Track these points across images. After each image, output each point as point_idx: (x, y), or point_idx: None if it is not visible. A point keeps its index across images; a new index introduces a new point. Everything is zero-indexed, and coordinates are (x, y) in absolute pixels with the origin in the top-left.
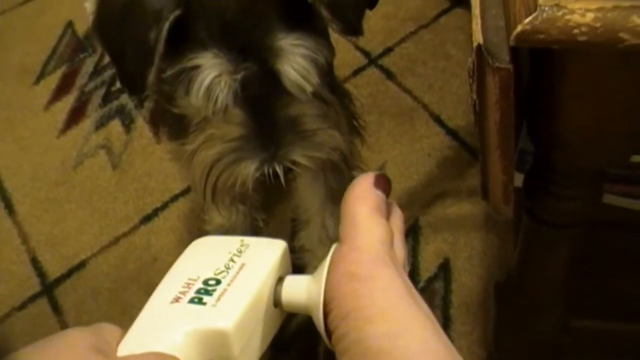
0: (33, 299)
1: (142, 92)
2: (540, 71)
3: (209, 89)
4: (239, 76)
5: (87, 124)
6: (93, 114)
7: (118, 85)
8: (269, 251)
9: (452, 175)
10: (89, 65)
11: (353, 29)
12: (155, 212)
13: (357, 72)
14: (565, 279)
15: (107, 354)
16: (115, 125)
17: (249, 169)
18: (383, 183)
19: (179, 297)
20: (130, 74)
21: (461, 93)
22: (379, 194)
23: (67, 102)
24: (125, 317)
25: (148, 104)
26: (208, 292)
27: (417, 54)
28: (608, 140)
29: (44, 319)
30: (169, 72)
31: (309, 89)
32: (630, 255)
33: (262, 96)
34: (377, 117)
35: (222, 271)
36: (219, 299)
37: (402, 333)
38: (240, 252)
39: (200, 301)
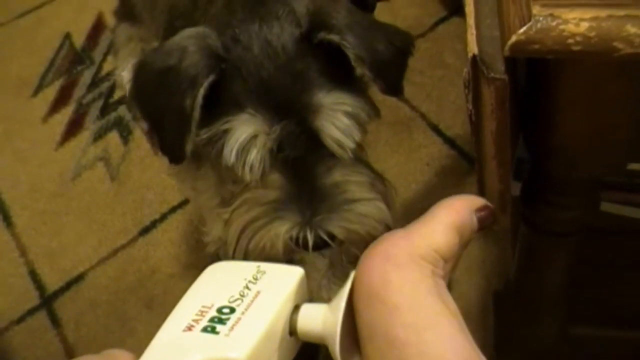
0: (32, 312)
1: (181, 160)
2: (536, 80)
3: (244, 148)
4: (275, 135)
5: (85, 136)
6: (91, 126)
7: (116, 97)
8: (285, 279)
9: (450, 184)
10: (86, 77)
11: (394, 88)
12: (154, 224)
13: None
14: (563, 287)
15: None
16: (113, 137)
17: (279, 230)
18: (486, 215)
19: (192, 326)
20: (170, 142)
21: (459, 102)
22: (473, 220)
23: (65, 114)
24: (124, 329)
25: None
26: (222, 321)
27: (415, 63)
28: (604, 148)
29: (43, 332)
30: (203, 136)
31: (350, 145)
32: (628, 262)
33: (301, 159)
34: (375, 127)
35: (237, 299)
36: (232, 328)
37: (429, 327)
38: (256, 279)
39: (213, 330)
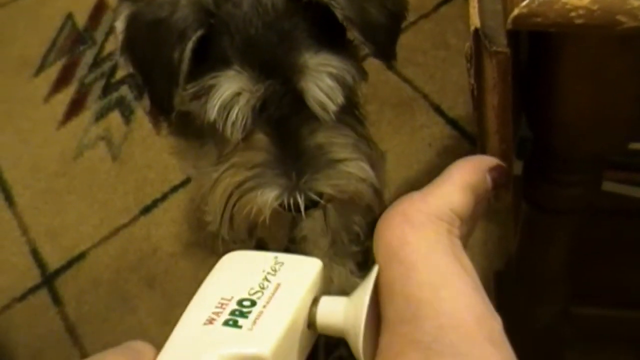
0: (33, 290)
1: (170, 112)
2: (539, 55)
3: (228, 103)
4: (259, 93)
5: (87, 115)
6: (93, 105)
7: (118, 77)
8: (304, 270)
9: None
10: (88, 57)
11: (385, 53)
12: (155, 203)
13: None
14: (565, 266)
15: None
16: (115, 116)
17: (267, 197)
18: (499, 173)
19: (213, 319)
20: (158, 95)
21: (462, 83)
22: (487, 179)
23: (67, 94)
24: (125, 307)
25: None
26: (243, 314)
27: (417, 43)
28: (606, 125)
29: (44, 310)
30: (190, 90)
31: (333, 108)
32: (630, 242)
33: (286, 120)
34: (378, 107)
35: (257, 291)
36: (255, 322)
37: (444, 285)
38: (275, 270)
39: (235, 324)
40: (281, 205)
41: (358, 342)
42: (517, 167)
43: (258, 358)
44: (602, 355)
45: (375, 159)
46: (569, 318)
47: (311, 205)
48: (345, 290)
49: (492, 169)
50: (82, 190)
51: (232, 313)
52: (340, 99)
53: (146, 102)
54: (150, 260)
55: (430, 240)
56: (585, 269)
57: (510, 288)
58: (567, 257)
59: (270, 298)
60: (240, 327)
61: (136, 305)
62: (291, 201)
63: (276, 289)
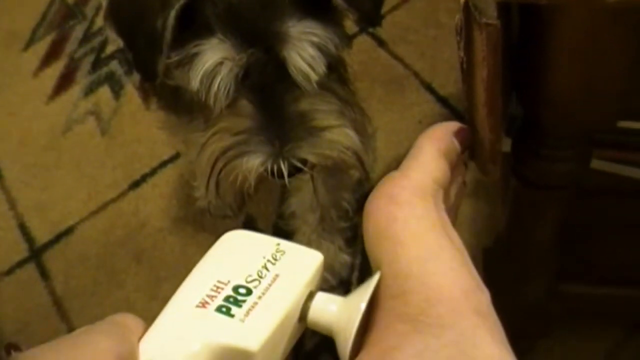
0: (21, 264)
1: (154, 79)
2: (529, 29)
3: (210, 72)
4: (242, 62)
5: (76, 90)
6: (82, 80)
7: (108, 52)
8: (304, 263)
9: None
10: (78, 32)
11: (370, 19)
12: (144, 178)
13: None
14: (553, 243)
15: None
16: (105, 91)
17: (252, 164)
18: (463, 136)
19: (206, 302)
20: (142, 62)
21: (453, 61)
22: (454, 142)
23: (56, 69)
24: (113, 282)
25: None
26: (237, 303)
27: (409, 21)
28: (597, 100)
29: (32, 284)
30: (174, 58)
31: (314, 77)
32: (618, 221)
33: (270, 87)
34: (368, 84)
35: (254, 279)
36: (247, 313)
37: (432, 259)
38: (275, 259)
39: (228, 312)
40: (265, 171)
41: (346, 347)
42: (506, 145)
43: (245, 352)
44: (589, 331)
45: (362, 125)
46: (556, 295)
47: (294, 171)
48: (333, 266)
49: (457, 133)
50: (70, 164)
51: (227, 299)
52: (322, 68)
53: (136, 77)
54: (139, 235)
55: (419, 216)
56: (574, 248)
57: (498, 265)
58: (556, 233)
59: (266, 289)
60: (232, 315)
61: (123, 279)
62: (275, 168)
63: (274, 279)
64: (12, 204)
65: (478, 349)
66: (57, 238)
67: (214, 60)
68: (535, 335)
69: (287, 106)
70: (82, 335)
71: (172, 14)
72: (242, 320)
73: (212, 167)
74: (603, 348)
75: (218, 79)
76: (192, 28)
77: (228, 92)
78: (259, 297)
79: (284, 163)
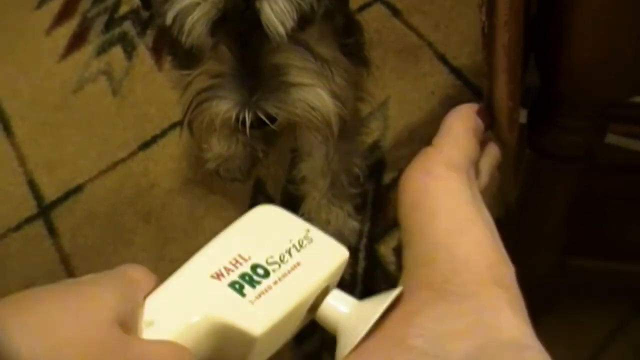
0: (29, 220)
1: (148, 8)
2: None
3: (185, 11)
4: (220, 5)
5: (88, 49)
6: (95, 40)
7: (121, 12)
8: (328, 257)
9: None
10: None
11: None
12: (154, 139)
13: (363, 8)
14: (564, 216)
15: (130, 324)
16: (117, 51)
17: (220, 109)
18: (484, 115)
19: (222, 274)
20: None
21: (467, 33)
22: (478, 121)
23: (69, 28)
24: (120, 240)
25: (151, 31)
26: (252, 283)
27: None
28: (616, 70)
29: (39, 241)
30: None
31: (281, 31)
32: (630, 197)
33: (248, 35)
34: (382, 53)
35: (275, 262)
36: (259, 296)
37: (461, 231)
38: (301, 245)
39: (240, 290)
40: (230, 118)
41: (346, 351)
42: (522, 116)
43: (247, 335)
44: (594, 309)
45: (343, 89)
46: (564, 269)
47: (258, 124)
48: (342, 232)
49: (478, 113)
50: (81, 123)
51: (242, 276)
52: (290, 22)
53: (149, 38)
54: (147, 196)
55: (452, 189)
56: (584, 221)
57: (508, 236)
58: (567, 206)
59: (284, 275)
60: (244, 295)
61: (131, 239)
62: (240, 115)
63: (294, 267)
64: (22, 161)
65: (497, 317)
66: (66, 196)
67: (190, 2)
68: (540, 309)
69: (262, 57)
70: (88, 286)
71: None
72: (252, 302)
73: (188, 107)
74: (608, 325)
75: (191, 18)
76: None
77: (200, 33)
78: (275, 283)
79: (248, 113)
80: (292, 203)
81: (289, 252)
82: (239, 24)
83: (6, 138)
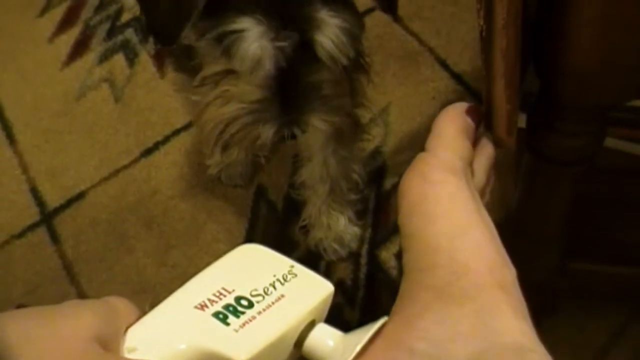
0: (32, 227)
1: (172, 44)
2: (549, 2)
3: (256, 56)
4: (282, 44)
5: (90, 57)
6: (97, 47)
7: (123, 20)
8: (313, 291)
9: None
10: None
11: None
12: (156, 146)
13: (364, 14)
14: (564, 219)
15: (111, 348)
16: (119, 59)
17: (268, 132)
18: (474, 113)
19: (205, 305)
20: (162, 26)
21: (468, 39)
22: (468, 121)
23: (72, 35)
24: (122, 247)
25: (153, 39)
26: (236, 313)
27: None
28: (615, 73)
29: (42, 248)
30: (208, 35)
31: (344, 61)
32: (628, 200)
33: (296, 64)
34: (383, 59)
35: (259, 294)
36: (243, 325)
37: (461, 235)
38: (285, 280)
39: (224, 319)
40: (279, 138)
41: None
42: (521, 120)
43: None
44: (595, 312)
45: (353, 90)
46: (564, 272)
47: (302, 134)
48: (343, 237)
49: (468, 111)
50: (83, 130)
51: (226, 307)
52: (351, 52)
53: (150, 45)
54: (149, 202)
55: (450, 193)
56: (584, 225)
57: (507, 240)
58: (567, 210)
59: (268, 306)
60: (228, 324)
61: (133, 245)
62: (288, 133)
63: (278, 299)
64: (24, 168)
65: (499, 320)
66: (69, 203)
67: (259, 44)
68: (541, 313)
69: (301, 79)
70: (69, 307)
71: None
72: (236, 331)
73: (222, 131)
74: (609, 329)
75: (263, 60)
76: (218, 5)
77: (267, 71)
78: (259, 313)
79: (298, 130)
80: (294, 209)
81: (273, 285)
82: (293, 59)
83: (9, 145)
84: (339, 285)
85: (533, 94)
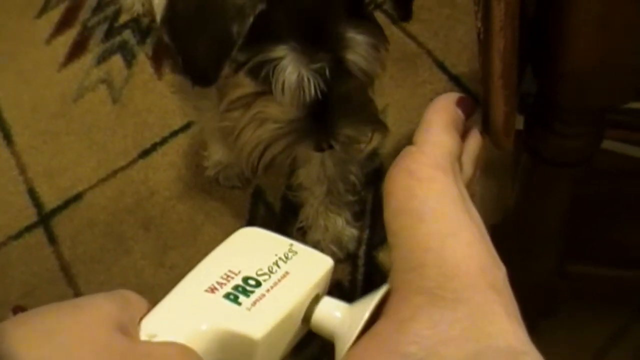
0: (29, 228)
1: (211, 84)
2: (547, 4)
3: (295, 84)
4: (317, 67)
5: (88, 58)
6: (95, 48)
7: (121, 21)
8: (315, 266)
9: None
10: (92, 0)
11: (404, 13)
12: (154, 147)
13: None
14: (562, 221)
15: (131, 334)
16: (117, 60)
17: (308, 149)
18: (465, 104)
19: (215, 288)
20: (201, 67)
21: (466, 40)
22: (458, 112)
23: (69, 36)
24: (120, 248)
25: (151, 40)
26: (246, 292)
27: (423, 0)
28: (613, 75)
29: (39, 249)
30: (246, 67)
31: (376, 74)
32: (627, 202)
33: (329, 83)
34: None
35: (265, 273)
36: (254, 303)
37: (451, 234)
38: (287, 257)
39: (235, 300)
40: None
41: (342, 351)
42: (518, 122)
43: (248, 339)
44: (594, 314)
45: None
46: (563, 274)
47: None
48: (340, 239)
49: (459, 102)
50: (81, 131)
51: (235, 288)
52: (381, 66)
53: (148, 46)
54: (147, 203)
55: (438, 191)
56: (583, 227)
57: (505, 242)
58: (565, 211)
59: (275, 283)
60: (239, 304)
61: (131, 247)
62: (326, 146)
63: (283, 276)
64: (22, 169)
65: (492, 323)
66: (66, 204)
67: (298, 72)
68: (540, 315)
69: (333, 93)
70: (85, 299)
71: (250, 20)
72: (249, 309)
73: (262, 154)
74: (609, 330)
75: (303, 89)
76: (256, 34)
77: (308, 97)
78: (267, 290)
79: (336, 143)
80: (292, 210)
81: (276, 263)
82: (326, 80)
83: (6, 146)
84: (336, 287)
85: (531, 95)
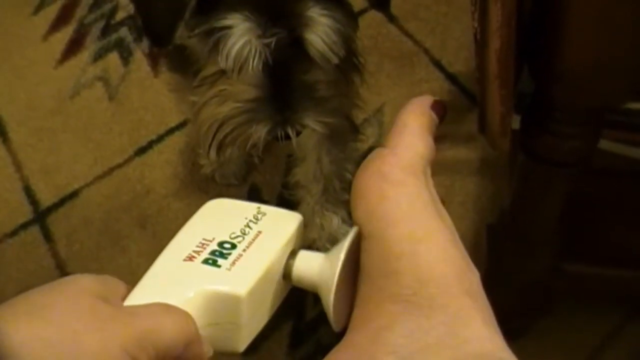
0: (25, 226)
1: (167, 44)
2: (544, 5)
3: (240, 53)
4: (269, 41)
5: (85, 55)
6: (91, 45)
7: (118, 18)
8: (285, 222)
9: (450, 120)
10: None
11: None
12: (150, 145)
13: (358, 14)
14: (557, 220)
15: (114, 303)
16: (114, 57)
17: (261, 132)
18: (439, 108)
19: (193, 256)
20: (158, 26)
21: (463, 39)
22: (433, 116)
23: (66, 33)
24: (116, 247)
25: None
26: (223, 255)
27: None
28: (609, 75)
29: (35, 246)
30: (197, 31)
31: (335, 60)
32: (624, 202)
33: (282, 61)
34: (378, 59)
35: (238, 236)
36: (233, 263)
37: (423, 239)
38: (257, 219)
39: (214, 263)
40: (273, 138)
41: (329, 299)
42: (515, 122)
43: (233, 297)
44: (591, 311)
45: (350, 91)
46: (559, 274)
47: (297, 135)
48: (336, 237)
49: (433, 106)
50: (77, 129)
51: (212, 253)
52: (341, 52)
53: (145, 44)
54: (143, 201)
55: (410, 195)
56: (579, 227)
57: (502, 241)
58: (561, 211)
59: (250, 243)
60: (219, 266)
61: (127, 245)
62: (282, 134)
63: (257, 235)
64: (18, 167)
65: (468, 329)
66: (62, 201)
67: (244, 40)
68: (535, 314)
69: (294, 78)
70: (65, 278)
71: None
72: (229, 269)
73: (216, 131)
74: (604, 330)
75: (247, 58)
76: (210, 1)
77: (250, 67)
78: (244, 250)
79: (292, 130)
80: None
81: (248, 225)
82: (282, 56)
83: (2, 143)
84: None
85: (527, 95)
